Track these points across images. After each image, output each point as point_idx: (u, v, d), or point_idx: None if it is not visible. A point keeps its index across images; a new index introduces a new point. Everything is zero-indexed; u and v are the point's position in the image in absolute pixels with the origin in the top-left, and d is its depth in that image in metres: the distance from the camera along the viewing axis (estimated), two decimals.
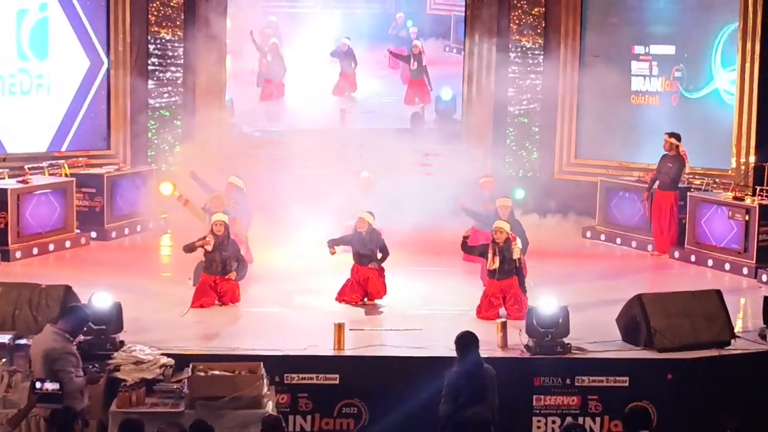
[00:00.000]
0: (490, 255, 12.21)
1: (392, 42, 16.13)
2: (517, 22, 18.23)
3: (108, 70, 17.78)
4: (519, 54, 18.30)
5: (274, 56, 16.60)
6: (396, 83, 16.32)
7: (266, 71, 16.97)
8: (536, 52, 18.35)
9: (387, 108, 15.94)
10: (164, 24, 17.88)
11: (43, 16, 16.82)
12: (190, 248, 12.56)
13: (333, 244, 12.90)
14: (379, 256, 12.67)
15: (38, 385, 7.84)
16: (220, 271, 12.44)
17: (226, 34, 17.61)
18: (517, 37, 18.25)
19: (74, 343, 8.96)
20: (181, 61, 18.00)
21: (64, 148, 17.20)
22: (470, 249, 12.61)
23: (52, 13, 16.94)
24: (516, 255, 12.20)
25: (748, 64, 16.44)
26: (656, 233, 15.66)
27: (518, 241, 12.35)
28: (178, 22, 17.92)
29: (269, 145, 16.82)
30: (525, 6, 18.14)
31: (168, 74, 18.00)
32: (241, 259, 12.89)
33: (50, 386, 7.72)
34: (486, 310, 12.10)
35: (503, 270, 12.16)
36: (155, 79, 17.98)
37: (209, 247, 12.40)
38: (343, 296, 12.66)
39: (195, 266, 12.91)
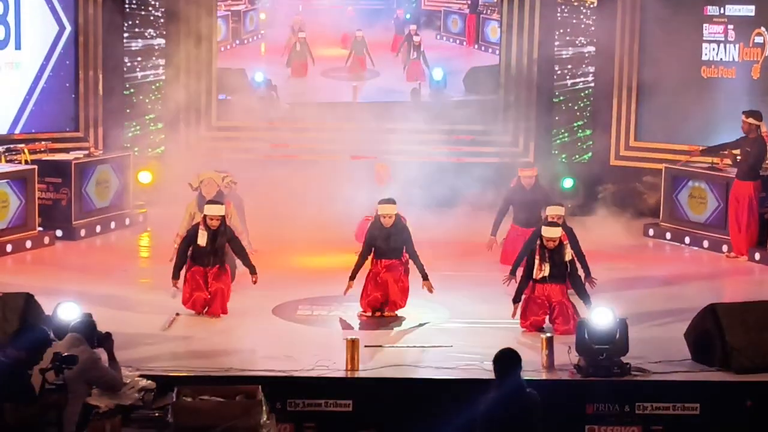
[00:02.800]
0: (537, 261, 12.24)
1: (394, 30, 20.49)
2: None
3: (75, 35, 17.85)
4: (568, 13, 18.38)
5: (302, 45, 19.82)
6: (397, 64, 20.10)
7: (295, 56, 20.05)
8: (589, 12, 18.40)
9: (390, 85, 19.56)
10: None
11: None
12: (176, 274, 12.62)
13: (354, 275, 12.78)
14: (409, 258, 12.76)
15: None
16: (212, 263, 12.52)
17: None
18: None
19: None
20: (163, 24, 18.11)
21: (21, 130, 17.31)
22: (519, 288, 12.41)
23: None
24: (568, 257, 12.27)
25: None
26: (733, 231, 15.64)
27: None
28: None
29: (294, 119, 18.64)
30: None
31: (148, 40, 18.12)
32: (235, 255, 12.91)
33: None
34: (533, 314, 12.20)
35: (553, 275, 12.23)
36: (132, 46, 18.07)
37: (202, 243, 12.46)
38: (365, 301, 12.70)
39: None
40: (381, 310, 12.68)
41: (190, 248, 12.61)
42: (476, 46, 19.45)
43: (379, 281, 12.66)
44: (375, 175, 15.50)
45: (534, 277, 12.26)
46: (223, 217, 12.59)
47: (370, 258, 12.83)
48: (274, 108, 18.83)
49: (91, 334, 9.40)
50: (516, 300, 12.34)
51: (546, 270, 12.20)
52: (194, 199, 13.69)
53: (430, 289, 12.74)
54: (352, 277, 12.71)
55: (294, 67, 19.55)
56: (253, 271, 12.71)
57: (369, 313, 12.70)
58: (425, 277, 12.71)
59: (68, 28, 17.83)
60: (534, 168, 15.35)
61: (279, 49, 19.48)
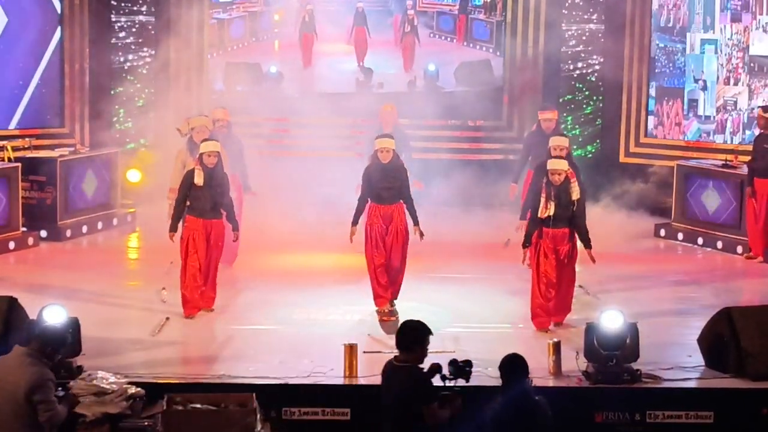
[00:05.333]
0: (542, 200, 12.21)
1: (391, 28, 21.70)
2: None
3: (61, 27, 17.87)
4: (574, 19, 18.55)
5: (309, 17, 20.99)
6: (397, 58, 21.37)
7: (303, 27, 21.13)
8: (592, 19, 18.56)
9: (389, 77, 20.96)
10: None
11: None
12: (174, 226, 12.69)
13: (356, 219, 12.86)
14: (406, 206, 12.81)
15: None
16: (209, 212, 12.53)
17: None
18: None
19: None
20: (152, 14, 18.14)
21: (7, 126, 17.35)
22: (529, 230, 12.59)
23: None
24: (576, 196, 12.21)
25: None
26: (750, 231, 15.66)
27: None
28: None
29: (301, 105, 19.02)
30: None
31: (137, 28, 18.17)
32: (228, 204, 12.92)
33: None
34: (537, 264, 12.34)
35: (558, 216, 12.22)
36: (120, 38, 18.10)
37: (199, 182, 12.42)
38: (373, 261, 12.74)
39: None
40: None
41: (187, 200, 12.58)
42: (465, 44, 20.89)
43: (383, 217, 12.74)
44: (380, 117, 15.40)
45: (540, 216, 12.24)
46: (220, 155, 12.58)
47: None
48: (279, 98, 19.42)
49: (59, 346, 9.30)
50: (525, 245, 12.43)
51: (551, 209, 12.15)
52: (185, 147, 13.78)
53: (421, 235, 12.78)
54: (355, 223, 12.81)
55: (304, 38, 20.74)
56: (235, 227, 12.84)
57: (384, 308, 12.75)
58: (416, 223, 12.78)
59: (56, 18, 17.86)
60: (555, 110, 15.43)
61: (291, 45, 20.80)
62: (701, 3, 18.24)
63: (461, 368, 9.02)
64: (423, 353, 9.03)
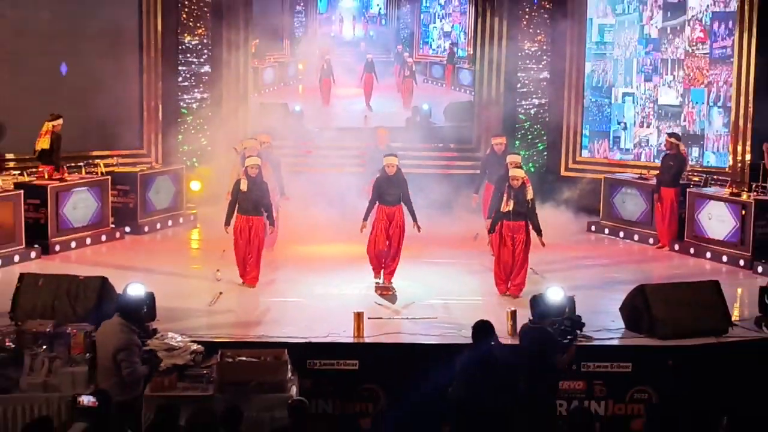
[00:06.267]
0: (504, 198, 12.36)
1: (392, 75, 21.82)
2: (525, 27, 18.43)
3: (140, 76, 17.88)
4: (526, 58, 18.46)
5: (327, 65, 21.01)
6: (398, 99, 21.36)
7: (323, 74, 21.14)
8: (541, 55, 18.44)
9: (391, 115, 20.52)
10: (192, 27, 18.04)
11: None
12: (227, 221, 12.77)
13: (366, 216, 12.85)
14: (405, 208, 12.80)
15: (78, 399, 7.74)
16: (251, 210, 12.63)
17: (248, 34, 18.54)
18: (524, 43, 18.42)
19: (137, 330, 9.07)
20: (209, 63, 18.16)
21: (99, 149, 17.29)
22: (494, 221, 12.64)
23: None
24: (530, 196, 12.36)
25: (744, 69, 16.55)
26: (658, 227, 15.64)
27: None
28: (204, 26, 18.09)
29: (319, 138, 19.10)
30: (529, 14, 18.34)
31: (197, 75, 18.19)
32: (270, 204, 12.99)
33: (87, 400, 7.62)
34: (499, 247, 12.52)
35: (516, 212, 12.31)
36: (185, 80, 18.12)
37: (244, 188, 12.54)
38: (374, 246, 12.72)
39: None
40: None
41: (237, 202, 12.69)
42: (453, 88, 21.00)
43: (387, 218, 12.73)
44: (377, 139, 15.56)
45: (502, 210, 12.33)
46: (260, 168, 12.70)
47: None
48: (301, 130, 19.34)
49: (139, 315, 9.30)
50: (490, 231, 12.64)
51: (511, 205, 12.26)
52: (238, 162, 13.83)
53: (419, 229, 12.78)
54: (365, 219, 12.77)
55: (323, 83, 20.75)
56: (272, 223, 12.93)
57: (378, 280, 12.74)
58: (415, 220, 12.78)
59: (137, 67, 17.88)
60: (504, 136, 15.35)
61: (313, 89, 20.78)
62: (623, 66, 18.23)
63: (575, 324, 9.21)
64: (552, 320, 9.30)
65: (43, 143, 15.15)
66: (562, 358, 9.20)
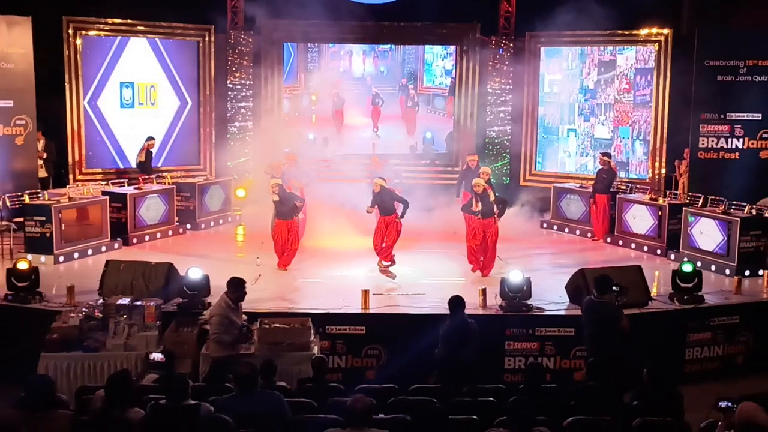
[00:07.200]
0: (474, 202, 12.46)
1: (398, 105, 20.09)
2: (491, 72, 18.41)
3: (198, 108, 17.91)
4: (493, 95, 18.45)
5: (338, 98, 19.47)
6: (402, 127, 19.77)
7: (334, 106, 19.55)
8: (505, 94, 18.46)
9: (397, 142, 19.48)
10: (236, 70, 18.01)
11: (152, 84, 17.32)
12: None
13: (371, 206, 12.83)
14: (401, 207, 12.62)
15: (150, 356, 7.68)
16: (286, 215, 12.70)
17: (282, 78, 18.32)
18: (492, 84, 18.41)
19: (234, 306, 9.02)
20: (249, 98, 18.16)
21: (168, 163, 17.31)
22: (465, 207, 12.78)
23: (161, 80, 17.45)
24: (491, 198, 12.39)
25: (659, 111, 16.63)
26: (594, 224, 15.62)
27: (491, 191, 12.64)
28: (246, 69, 18.05)
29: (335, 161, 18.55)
30: (494, 62, 18.30)
31: (240, 108, 18.16)
32: (297, 207, 12.94)
33: (157, 357, 7.58)
34: (471, 238, 12.52)
35: (484, 211, 12.32)
36: (231, 111, 18.13)
37: (275, 199, 12.62)
38: (378, 241, 12.59)
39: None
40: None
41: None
42: (453, 117, 19.27)
43: (385, 226, 12.59)
44: (372, 164, 15.47)
45: (473, 209, 12.42)
46: (280, 185, 12.65)
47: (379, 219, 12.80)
48: (322, 151, 18.76)
49: (240, 296, 9.17)
50: (462, 210, 12.81)
51: (479, 207, 12.33)
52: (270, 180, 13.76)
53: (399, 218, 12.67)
54: (372, 206, 12.67)
55: (335, 113, 19.47)
56: (298, 212, 13.00)
57: (387, 263, 12.58)
58: (401, 216, 12.62)
59: (190, 103, 17.87)
60: (476, 155, 15.33)
61: (325, 119, 19.30)
62: (567, 109, 18.15)
63: (622, 291, 9.13)
64: (611, 295, 9.04)
65: (141, 157, 16.39)
66: (623, 322, 9.06)
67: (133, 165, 16.81)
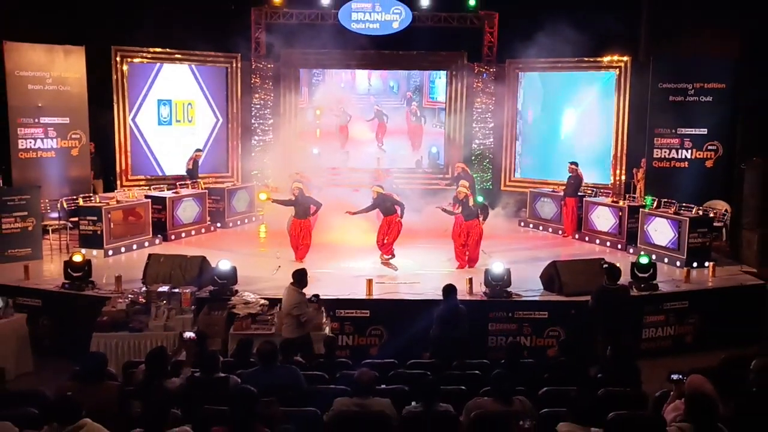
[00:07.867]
0: (453, 204, 12.54)
1: (404, 120, 18.71)
2: (477, 92, 18.37)
3: (227, 123, 17.89)
4: (479, 113, 18.42)
5: (342, 113, 18.61)
6: (407, 143, 18.68)
7: (339, 121, 18.63)
8: (489, 112, 18.42)
9: (401, 157, 18.59)
10: (260, 90, 17.98)
11: (189, 101, 17.19)
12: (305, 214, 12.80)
13: (355, 213, 12.79)
14: (400, 209, 12.59)
15: (183, 335, 7.65)
16: (301, 215, 12.64)
17: (299, 97, 18.20)
18: (478, 103, 18.36)
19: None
20: (270, 115, 18.14)
21: (201, 172, 17.30)
22: (447, 211, 12.72)
23: (197, 100, 17.35)
24: (471, 203, 12.37)
25: (620, 124, 16.56)
26: (564, 222, 15.58)
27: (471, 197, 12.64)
28: (267, 88, 18.05)
29: (341, 172, 18.21)
30: (480, 84, 18.28)
31: (263, 123, 18.13)
32: (312, 210, 12.95)
33: (189, 336, 7.54)
34: (457, 237, 12.48)
35: (466, 214, 12.31)
36: (255, 126, 18.12)
37: (292, 198, 12.62)
38: (381, 238, 12.59)
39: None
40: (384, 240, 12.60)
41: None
42: (444, 131, 18.45)
43: (388, 225, 12.61)
44: (375, 175, 15.39)
45: (453, 211, 12.44)
46: (301, 189, 12.63)
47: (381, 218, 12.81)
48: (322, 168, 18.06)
49: (304, 283, 9.01)
50: (444, 210, 12.59)
51: (459, 210, 12.33)
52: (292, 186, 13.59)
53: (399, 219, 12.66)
54: (354, 213, 12.59)
55: (340, 128, 18.40)
56: (315, 212, 12.98)
57: (387, 256, 12.56)
58: (401, 217, 12.64)
59: (221, 119, 17.83)
60: (464, 164, 15.49)
61: (329, 133, 18.22)
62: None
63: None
64: (621, 283, 8.99)
65: (189, 165, 16.38)
66: (632, 308, 9.02)
67: (171, 173, 16.80)
